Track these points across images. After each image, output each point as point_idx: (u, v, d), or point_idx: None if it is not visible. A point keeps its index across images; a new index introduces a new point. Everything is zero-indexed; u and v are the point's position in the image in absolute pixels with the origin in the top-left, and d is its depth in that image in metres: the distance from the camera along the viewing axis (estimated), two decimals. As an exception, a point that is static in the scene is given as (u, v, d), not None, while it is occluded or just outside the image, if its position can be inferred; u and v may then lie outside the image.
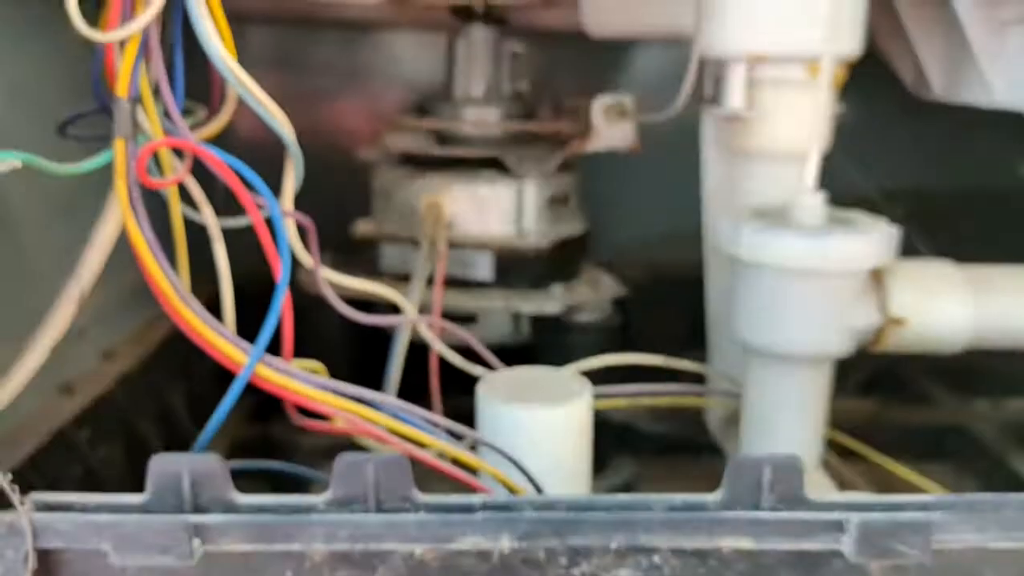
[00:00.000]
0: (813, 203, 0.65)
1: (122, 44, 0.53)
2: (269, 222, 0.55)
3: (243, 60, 0.54)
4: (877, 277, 0.65)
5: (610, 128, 0.85)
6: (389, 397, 0.54)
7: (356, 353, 0.88)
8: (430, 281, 0.80)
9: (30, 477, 0.74)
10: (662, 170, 0.99)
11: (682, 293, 1.18)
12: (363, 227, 0.93)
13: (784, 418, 0.66)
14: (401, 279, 0.87)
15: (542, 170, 0.88)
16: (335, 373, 0.57)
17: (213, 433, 0.52)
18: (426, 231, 0.84)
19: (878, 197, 0.88)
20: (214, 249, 0.57)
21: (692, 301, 1.21)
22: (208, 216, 0.57)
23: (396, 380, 0.70)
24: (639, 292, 1.15)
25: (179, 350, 0.88)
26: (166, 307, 0.53)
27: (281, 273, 0.54)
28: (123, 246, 0.54)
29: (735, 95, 0.70)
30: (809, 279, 0.62)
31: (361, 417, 0.53)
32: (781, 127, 0.71)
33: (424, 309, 0.79)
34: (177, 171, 0.55)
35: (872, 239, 0.62)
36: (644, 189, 1.18)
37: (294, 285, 0.93)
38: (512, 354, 0.94)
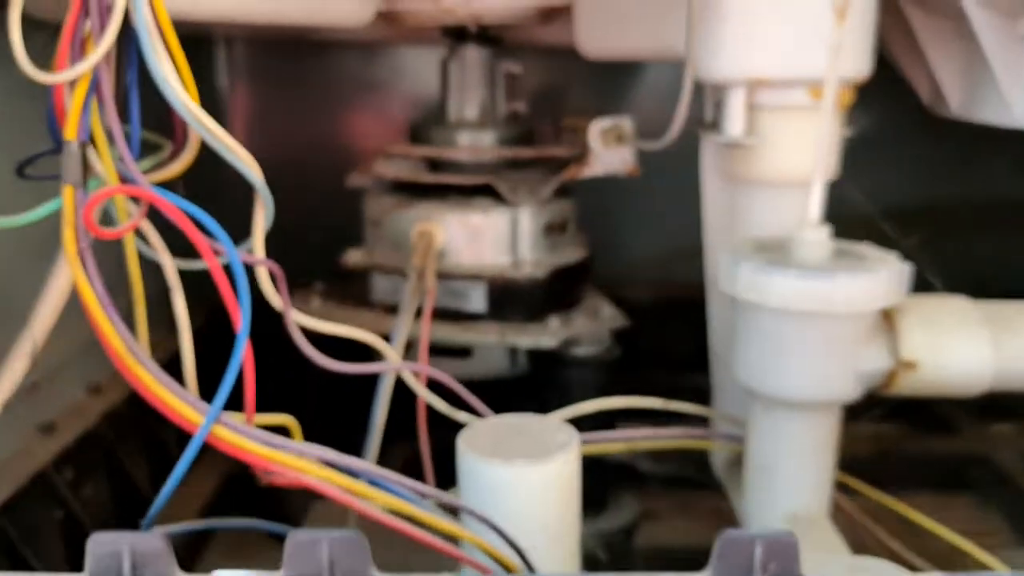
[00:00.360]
0: (817, 237, 0.60)
1: (72, 84, 0.49)
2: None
3: (232, 76, 0.51)
4: (887, 317, 0.61)
5: (608, 152, 0.82)
6: (359, 462, 0.50)
7: (350, 383, 0.85)
8: (420, 312, 0.77)
9: (4, 524, 0.71)
10: (667, 184, 0.94)
11: (689, 311, 1.16)
12: (354, 257, 0.89)
13: (789, 466, 0.62)
14: (393, 310, 0.84)
15: (538, 196, 0.85)
16: (327, 407, 0.54)
17: (165, 501, 0.49)
18: (416, 261, 0.80)
19: (884, 216, 0.84)
20: (173, 300, 0.53)
21: (699, 320, 1.18)
22: (167, 264, 0.53)
23: (380, 428, 0.67)
24: (644, 311, 1.12)
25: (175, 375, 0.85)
26: (118, 366, 0.49)
27: (240, 324, 0.50)
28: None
29: (735, 121, 0.66)
30: (813, 321, 0.58)
31: (331, 483, 0.49)
32: (783, 154, 0.67)
33: (413, 343, 0.75)
34: (132, 217, 0.52)
35: (881, 278, 0.58)
36: (648, 205, 1.14)
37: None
38: (508, 387, 0.90)
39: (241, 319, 0.50)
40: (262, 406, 0.53)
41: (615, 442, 0.66)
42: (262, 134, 1.23)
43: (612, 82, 1.17)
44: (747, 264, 0.59)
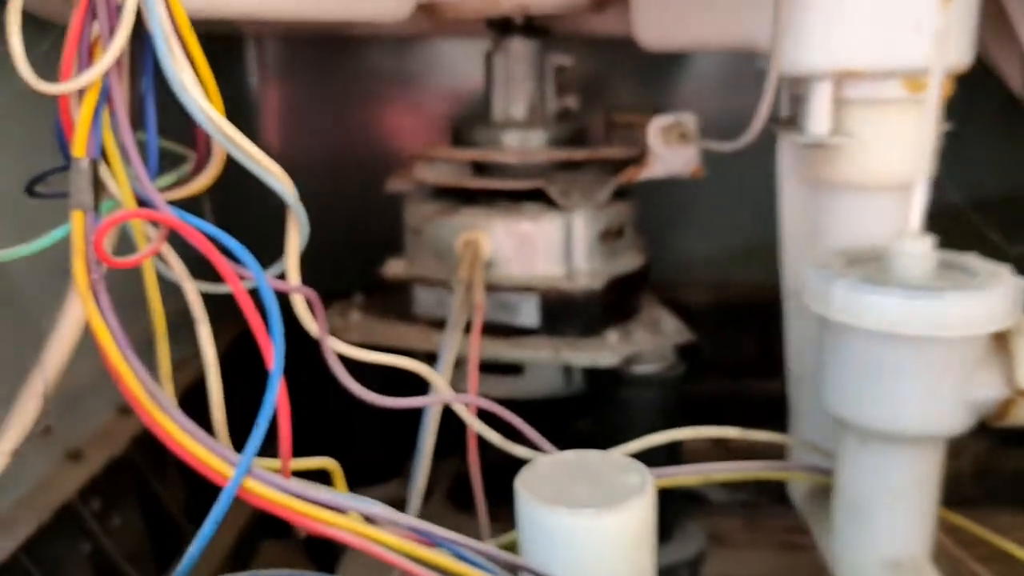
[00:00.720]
0: (919, 249, 0.53)
1: (80, 95, 0.44)
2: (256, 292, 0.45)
3: (264, 75, 0.45)
4: (1001, 341, 0.53)
5: (669, 152, 0.75)
6: (405, 518, 0.44)
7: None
8: (469, 327, 0.71)
9: (26, 564, 0.66)
10: (725, 179, 0.87)
11: (751, 314, 1.09)
12: (394, 267, 0.83)
13: (888, 505, 0.55)
14: (438, 325, 0.78)
15: (593, 200, 0.78)
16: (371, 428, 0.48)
17: (193, 563, 0.43)
18: (462, 273, 0.74)
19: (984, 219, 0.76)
20: (198, 333, 0.47)
21: (764, 322, 1.11)
22: (190, 292, 0.48)
23: (427, 460, 0.60)
24: (703, 315, 1.05)
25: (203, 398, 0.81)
26: (136, 410, 0.44)
27: (274, 361, 0.45)
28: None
29: (819, 118, 0.59)
30: (918, 346, 0.51)
31: (374, 541, 0.44)
32: (875, 154, 0.60)
33: (461, 360, 0.69)
34: (151, 241, 0.46)
35: (995, 296, 0.51)
36: (705, 201, 1.07)
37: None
38: (562, 407, 0.84)
39: (274, 356, 0.45)
40: (301, 430, 0.47)
41: (688, 476, 0.59)
42: (296, 135, 1.17)
43: (659, 73, 1.09)
44: (841, 281, 0.52)
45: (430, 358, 0.73)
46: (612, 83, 1.11)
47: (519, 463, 0.53)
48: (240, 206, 0.67)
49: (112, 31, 0.43)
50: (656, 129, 0.75)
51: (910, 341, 0.51)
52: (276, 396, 0.44)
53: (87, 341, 0.48)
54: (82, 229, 0.43)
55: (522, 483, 0.50)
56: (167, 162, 0.52)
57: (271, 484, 0.43)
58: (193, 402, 0.54)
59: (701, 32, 0.68)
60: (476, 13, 0.78)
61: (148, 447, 0.85)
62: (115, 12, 0.43)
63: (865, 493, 0.56)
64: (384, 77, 1.16)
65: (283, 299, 0.47)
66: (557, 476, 0.52)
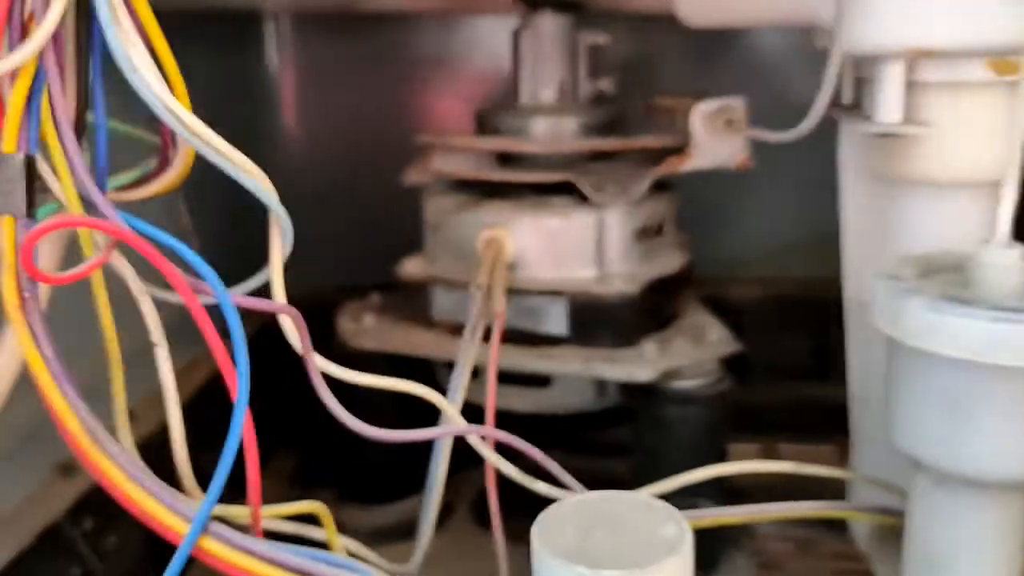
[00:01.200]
0: (1009, 260, 0.45)
1: (12, 80, 0.37)
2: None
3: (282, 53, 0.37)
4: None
5: (715, 141, 0.67)
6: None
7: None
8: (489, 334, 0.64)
9: (7, 591, 0.60)
10: (783, 164, 0.78)
11: (803, 312, 1.01)
12: (411, 267, 0.76)
13: (971, 558, 0.47)
14: (457, 330, 0.71)
15: (629, 194, 0.70)
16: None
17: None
18: (483, 277, 0.67)
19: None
20: (156, 356, 0.41)
21: (816, 322, 1.02)
22: (147, 313, 0.41)
23: (437, 500, 0.53)
24: (752, 313, 0.96)
25: (216, 401, 0.75)
26: (77, 454, 0.37)
27: (238, 391, 0.38)
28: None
29: (890, 104, 0.50)
30: (1008, 378, 0.43)
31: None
32: (956, 147, 0.51)
33: (481, 369, 0.62)
34: (98, 251, 0.40)
35: (1105, 318, 0.42)
36: (753, 189, 0.99)
37: (333, 337, 0.78)
38: (593, 423, 0.77)
39: (239, 385, 0.38)
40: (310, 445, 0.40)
41: (736, 516, 0.52)
42: (316, 117, 1.10)
43: (707, 53, 1.01)
44: (917, 300, 0.44)
45: (448, 367, 0.66)
46: (654, 66, 1.03)
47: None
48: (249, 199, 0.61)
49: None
50: (700, 115, 0.67)
51: (999, 371, 0.43)
52: (240, 433, 0.38)
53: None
54: (12, 238, 0.36)
55: (540, 532, 0.43)
56: (134, 153, 0.46)
57: (232, 544, 0.37)
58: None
59: (751, 7, 0.59)
60: (503, -13, 0.71)
61: (146, 460, 0.80)
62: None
63: (942, 544, 0.48)
64: (411, 56, 1.08)
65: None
66: (581, 523, 0.44)
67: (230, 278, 0.42)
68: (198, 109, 0.39)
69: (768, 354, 0.95)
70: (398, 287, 0.78)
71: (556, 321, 0.70)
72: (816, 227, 0.68)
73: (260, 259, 0.44)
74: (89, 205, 0.39)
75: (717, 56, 1.00)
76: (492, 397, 0.58)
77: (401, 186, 0.79)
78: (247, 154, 0.40)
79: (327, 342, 0.78)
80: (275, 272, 0.43)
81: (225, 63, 0.97)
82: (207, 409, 0.78)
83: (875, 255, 0.55)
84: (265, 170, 0.41)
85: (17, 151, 0.37)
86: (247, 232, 0.53)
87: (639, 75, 0.96)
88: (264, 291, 0.44)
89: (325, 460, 0.84)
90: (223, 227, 0.76)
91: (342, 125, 1.07)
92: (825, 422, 0.96)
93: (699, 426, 0.66)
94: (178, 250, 0.38)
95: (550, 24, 0.74)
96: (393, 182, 0.80)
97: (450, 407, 0.50)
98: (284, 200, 0.42)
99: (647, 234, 0.72)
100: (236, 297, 0.39)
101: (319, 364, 0.44)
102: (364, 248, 1.03)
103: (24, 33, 0.37)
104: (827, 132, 0.60)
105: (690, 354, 0.68)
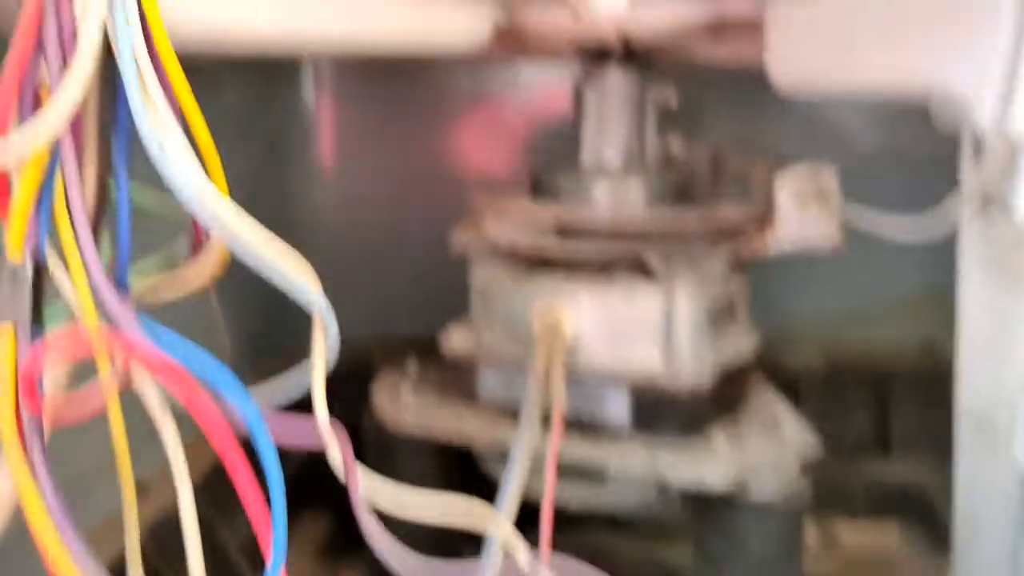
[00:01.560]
0: None
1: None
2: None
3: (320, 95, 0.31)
4: None
5: (805, 218, 0.60)
6: None
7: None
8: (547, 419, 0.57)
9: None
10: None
11: (867, 382, 0.94)
12: (457, 340, 0.69)
13: None
14: (506, 412, 0.64)
15: (700, 271, 0.63)
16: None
17: None
18: (540, 361, 0.60)
19: None
20: (179, 500, 0.34)
21: (879, 394, 0.97)
22: (168, 438, 0.34)
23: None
24: (812, 382, 0.91)
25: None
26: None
27: (273, 551, 0.31)
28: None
29: (1033, 200, 0.43)
30: None
31: None
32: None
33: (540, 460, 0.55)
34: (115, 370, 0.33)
35: None
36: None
37: (372, 420, 0.72)
38: (654, 530, 0.71)
39: (274, 544, 0.31)
40: None
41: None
42: (356, 162, 1.04)
43: (761, 103, 0.94)
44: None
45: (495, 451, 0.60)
46: (706, 114, 0.96)
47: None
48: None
49: (64, 66, 0.30)
50: (787, 189, 0.60)
51: None
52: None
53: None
54: (12, 358, 0.30)
55: None
56: (158, 233, 0.39)
57: None
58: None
59: (860, 72, 0.52)
60: (567, 38, 0.64)
61: (165, 532, 0.73)
62: (70, 39, 0.30)
63: None
64: (457, 98, 1.02)
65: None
66: None
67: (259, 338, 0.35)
68: (230, 166, 0.33)
69: (829, 428, 0.89)
70: (433, 341, 0.71)
71: (616, 410, 0.63)
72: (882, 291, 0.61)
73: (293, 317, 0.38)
74: (102, 304, 0.32)
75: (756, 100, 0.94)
76: (549, 508, 0.51)
77: (445, 235, 0.73)
78: (281, 200, 0.34)
79: (363, 403, 0.71)
80: (317, 388, 0.36)
81: (259, 107, 0.92)
82: (218, 488, 0.71)
83: (1001, 366, 0.47)
84: (300, 216, 0.34)
85: (24, 261, 0.30)
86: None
87: (692, 126, 0.90)
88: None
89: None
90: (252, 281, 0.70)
91: (383, 171, 1.01)
92: (885, 503, 0.90)
93: (775, 539, 0.59)
94: (209, 373, 0.31)
95: (618, 81, 0.67)
96: (436, 230, 0.74)
97: (518, 542, 0.42)
98: (318, 247, 0.36)
99: (720, 315, 0.65)
100: (273, 416, 0.32)
101: (367, 496, 0.37)
102: (402, 296, 0.97)
103: (37, 104, 0.31)
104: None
105: (767, 454, 0.61)
